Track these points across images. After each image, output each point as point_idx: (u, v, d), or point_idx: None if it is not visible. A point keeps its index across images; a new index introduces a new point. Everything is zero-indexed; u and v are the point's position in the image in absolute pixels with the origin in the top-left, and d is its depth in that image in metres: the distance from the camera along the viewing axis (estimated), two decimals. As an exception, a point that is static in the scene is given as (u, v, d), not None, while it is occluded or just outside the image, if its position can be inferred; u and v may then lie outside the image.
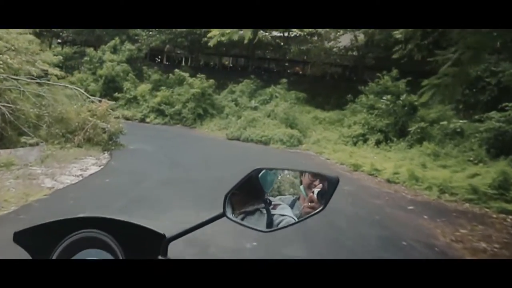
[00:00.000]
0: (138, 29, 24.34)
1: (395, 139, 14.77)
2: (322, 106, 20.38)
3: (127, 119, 19.24)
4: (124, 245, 0.94)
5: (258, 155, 12.94)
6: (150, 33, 25.04)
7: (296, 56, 26.34)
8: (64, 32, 28.32)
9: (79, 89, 12.08)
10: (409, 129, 14.41)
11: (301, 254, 4.18)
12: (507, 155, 10.34)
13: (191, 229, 0.88)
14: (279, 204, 0.85)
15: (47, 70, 10.90)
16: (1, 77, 9.09)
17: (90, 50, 24.07)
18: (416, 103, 15.41)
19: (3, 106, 8.79)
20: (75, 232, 0.94)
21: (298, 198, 0.85)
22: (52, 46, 28.23)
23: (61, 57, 21.41)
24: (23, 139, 8.66)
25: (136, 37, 25.27)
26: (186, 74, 21.26)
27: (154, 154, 10.63)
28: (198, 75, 20.87)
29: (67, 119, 10.14)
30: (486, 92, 14.80)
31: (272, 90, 19.92)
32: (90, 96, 11.91)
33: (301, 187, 0.85)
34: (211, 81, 20.51)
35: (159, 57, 31.24)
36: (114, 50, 23.81)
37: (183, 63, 29.69)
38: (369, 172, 10.26)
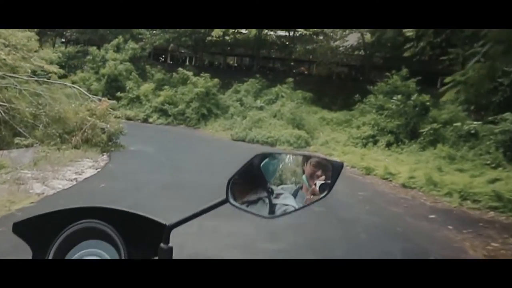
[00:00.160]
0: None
1: (406, 141, 14.27)
2: (328, 106, 19.96)
3: (129, 119, 18.88)
4: (125, 235, 0.93)
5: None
6: (154, 32, 24.65)
7: (302, 55, 26.01)
8: (68, 31, 28.08)
9: (78, 87, 11.60)
10: (421, 130, 13.86)
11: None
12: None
13: (193, 216, 0.85)
14: (282, 194, 0.83)
15: (43, 67, 10.41)
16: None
17: (93, 49, 23.73)
18: (428, 103, 14.88)
19: (-3, 104, 8.34)
20: (75, 223, 0.93)
21: (301, 188, 0.83)
22: (56, 45, 28.02)
23: (60, 54, 21.06)
24: (16, 140, 8.19)
25: (139, 36, 24.90)
26: (190, 73, 20.81)
27: (155, 156, 10.11)
28: (202, 74, 20.41)
29: (64, 118, 9.67)
30: (499, 93, 14.19)
31: (278, 89, 19.42)
32: (89, 95, 11.42)
33: (304, 176, 0.83)
34: (216, 80, 20.05)
35: (163, 56, 30.92)
36: (117, 49, 23.50)
37: (187, 63, 29.28)
38: (383, 176, 9.69)
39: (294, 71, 26.60)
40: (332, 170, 0.81)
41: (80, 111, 10.03)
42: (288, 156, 0.88)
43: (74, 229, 0.93)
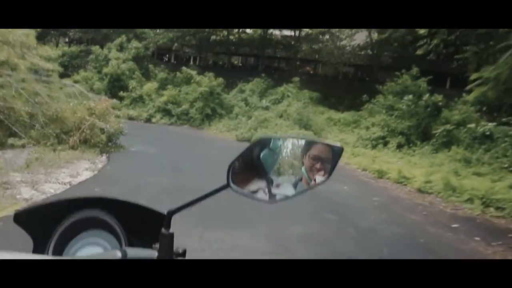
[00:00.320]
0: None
1: (418, 143, 13.77)
2: (335, 106, 19.54)
3: (132, 119, 18.49)
4: (126, 225, 0.94)
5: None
6: (158, 31, 24.33)
7: (308, 55, 25.64)
8: (71, 30, 27.82)
9: (76, 86, 11.17)
10: (434, 132, 13.32)
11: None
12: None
13: (194, 201, 0.82)
14: (281, 184, 0.82)
15: (37, 64, 9.98)
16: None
17: (95, 48, 23.40)
18: (440, 103, 14.35)
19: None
20: (76, 212, 0.94)
21: (301, 179, 0.82)
22: (60, 45, 27.82)
23: (60, 52, 20.76)
24: (10, 140, 7.76)
25: (143, 35, 24.58)
26: (194, 72, 20.39)
27: (157, 158, 9.62)
28: (206, 74, 19.99)
29: (62, 118, 9.22)
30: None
31: (284, 89, 18.93)
32: (88, 94, 10.98)
33: (303, 168, 0.82)
34: (220, 79, 19.60)
35: (167, 56, 30.63)
36: (121, 48, 23.21)
37: (191, 62, 28.92)
38: (397, 180, 9.14)
39: (299, 70, 26.17)
40: (332, 155, 0.81)
41: (78, 110, 9.58)
42: (287, 144, 0.85)
43: (75, 219, 0.94)
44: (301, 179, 0.82)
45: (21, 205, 4.74)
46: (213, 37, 25.46)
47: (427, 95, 14.28)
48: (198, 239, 4.13)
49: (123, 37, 23.22)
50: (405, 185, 8.83)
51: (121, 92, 20.57)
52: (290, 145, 0.85)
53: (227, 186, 0.82)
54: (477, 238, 5.32)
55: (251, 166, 0.83)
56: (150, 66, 23.85)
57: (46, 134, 8.82)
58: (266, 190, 0.82)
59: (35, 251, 0.93)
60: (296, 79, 19.35)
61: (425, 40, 14.30)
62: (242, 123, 17.26)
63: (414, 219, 6.12)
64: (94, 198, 0.96)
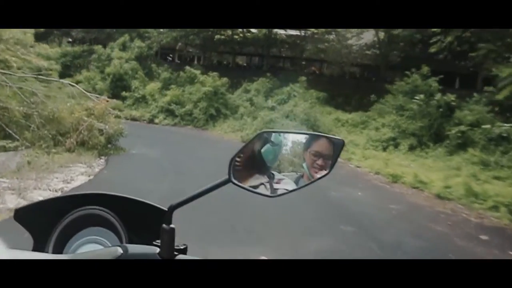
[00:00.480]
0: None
1: (430, 144, 13.21)
2: (342, 107, 18.97)
3: (134, 119, 18.11)
4: (127, 222, 0.93)
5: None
6: (161, 30, 23.90)
7: (313, 54, 25.10)
8: (74, 30, 27.50)
9: (74, 85, 10.71)
10: (447, 133, 12.74)
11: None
12: None
13: (196, 196, 0.81)
14: (283, 179, 0.81)
15: (31, 62, 9.54)
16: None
17: (98, 48, 23.04)
18: (453, 103, 13.76)
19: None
20: (76, 210, 0.93)
21: (302, 176, 0.81)
22: (63, 45, 27.52)
23: (60, 51, 20.42)
24: (1, 142, 7.30)
25: (146, 35, 24.17)
26: (198, 72, 19.95)
27: (158, 161, 9.12)
28: (210, 73, 19.52)
29: (59, 118, 8.76)
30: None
31: (290, 89, 18.39)
32: (87, 93, 10.52)
33: (304, 165, 0.81)
34: (224, 79, 19.16)
35: (170, 55, 30.22)
36: (123, 48, 22.89)
37: (195, 62, 28.48)
38: (413, 184, 8.58)
39: (305, 70, 25.66)
40: (333, 149, 0.80)
41: (76, 110, 9.11)
42: (289, 138, 0.83)
43: (75, 216, 0.93)
44: (302, 176, 0.81)
45: (3, 217, 4.26)
46: (217, 36, 25.04)
47: (439, 94, 13.73)
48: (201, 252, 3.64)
49: (126, 37, 22.92)
50: (422, 190, 8.27)
51: (124, 92, 20.21)
52: (291, 139, 0.84)
53: (228, 180, 0.80)
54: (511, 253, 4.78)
55: (252, 160, 0.82)
56: (153, 65, 23.45)
57: (41, 135, 8.36)
58: (268, 184, 0.81)
59: (35, 249, 0.92)
60: (303, 78, 18.83)
61: (438, 38, 13.64)
62: (247, 123, 16.80)
63: (439, 230, 5.57)
64: (94, 195, 0.96)
